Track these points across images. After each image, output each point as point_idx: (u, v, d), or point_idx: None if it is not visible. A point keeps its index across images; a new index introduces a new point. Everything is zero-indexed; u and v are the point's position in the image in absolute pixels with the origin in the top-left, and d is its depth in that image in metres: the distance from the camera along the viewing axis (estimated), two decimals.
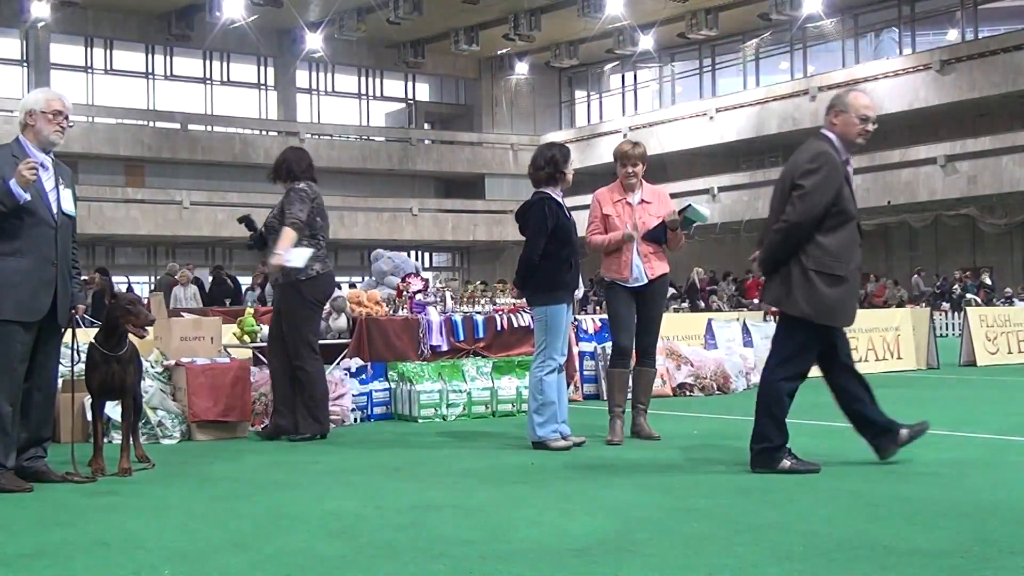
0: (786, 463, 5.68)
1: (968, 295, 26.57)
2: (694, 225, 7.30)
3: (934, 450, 6.58)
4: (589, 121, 43.27)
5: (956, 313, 25.02)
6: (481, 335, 9.62)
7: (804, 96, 35.78)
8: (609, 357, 7.59)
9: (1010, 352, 14.57)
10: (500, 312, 9.86)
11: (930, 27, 36.17)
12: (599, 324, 10.53)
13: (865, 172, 34.21)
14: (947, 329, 20.30)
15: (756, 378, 11.29)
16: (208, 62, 37.72)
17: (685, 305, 26.58)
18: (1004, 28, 33.75)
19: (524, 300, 8.26)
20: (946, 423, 7.85)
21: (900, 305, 25.84)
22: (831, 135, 5.71)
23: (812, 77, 36.55)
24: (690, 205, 7.42)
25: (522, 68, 41.60)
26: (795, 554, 3.94)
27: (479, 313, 9.77)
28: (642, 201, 7.32)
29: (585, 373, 10.21)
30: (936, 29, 36.33)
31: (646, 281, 7.23)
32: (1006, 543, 4.04)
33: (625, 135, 38.13)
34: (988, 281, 29.20)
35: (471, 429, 8.10)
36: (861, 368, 12.98)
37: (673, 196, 7.57)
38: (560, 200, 6.99)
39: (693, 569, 3.76)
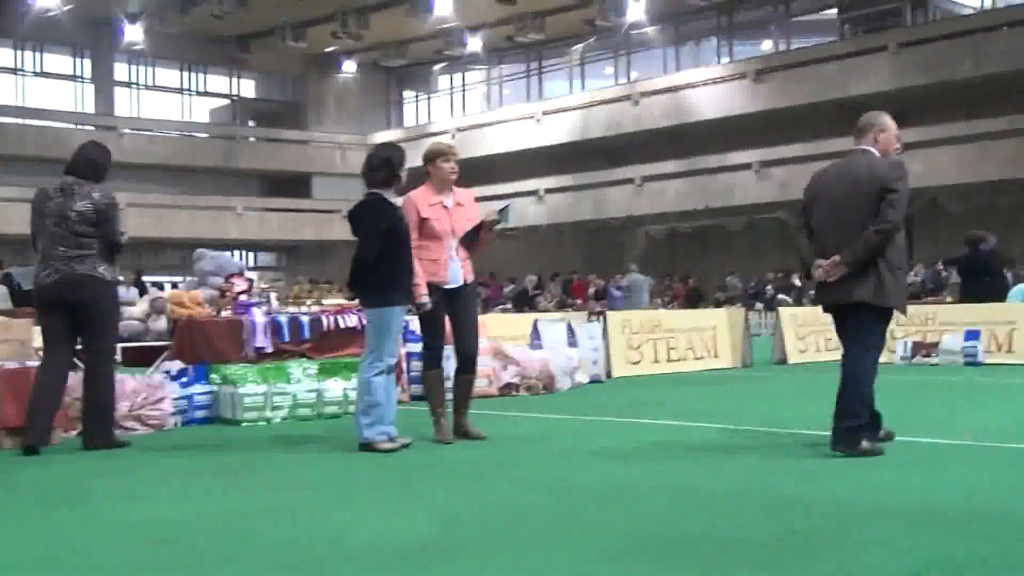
0: (865, 444, 6.15)
1: (780, 296, 27.68)
2: (499, 226, 7.48)
3: (746, 447, 6.83)
4: (417, 121, 43.22)
5: (769, 313, 26.03)
6: (307, 336, 9.48)
7: (627, 101, 36.62)
8: (423, 359, 7.55)
9: (818, 350, 15.24)
10: (327, 313, 9.75)
11: (746, 38, 37.54)
12: None
13: (684, 176, 35.30)
14: (761, 328, 21.09)
15: (581, 377, 11.59)
16: (20, 52, 36.06)
17: (509, 306, 26.83)
18: (814, 40, 35.33)
19: (355, 301, 8.20)
20: (756, 419, 8.17)
21: (718, 305, 26.74)
22: (874, 150, 6.46)
23: (635, 82, 37.46)
24: (509, 205, 7.59)
25: (350, 66, 41.24)
26: (620, 552, 4.02)
27: (305, 314, 9.64)
28: (457, 204, 7.35)
29: (412, 374, 10.17)
30: (752, 40, 37.74)
31: (461, 284, 7.30)
32: (815, 535, 4.22)
33: (453, 136, 38.25)
34: (797, 283, 30.47)
35: (296, 432, 7.98)
36: (681, 366, 13.48)
37: (499, 197, 7.65)
38: (394, 202, 6.95)
39: (520, 569, 3.80)
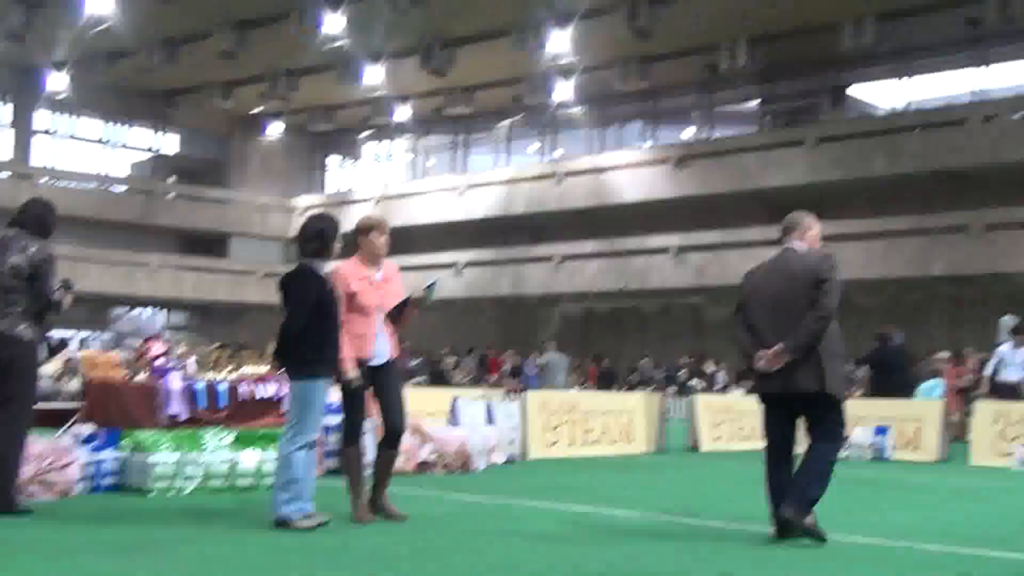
0: (810, 519, 6.54)
1: (692, 381, 27.97)
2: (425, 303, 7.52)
3: (666, 538, 6.83)
4: (340, 187, 43.20)
5: (681, 397, 26.27)
6: (223, 405, 9.31)
7: (551, 179, 37.03)
8: (342, 435, 7.46)
9: (732, 439, 15.41)
10: (244, 381, 9.59)
11: (670, 124, 38.35)
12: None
13: (603, 257, 35.69)
14: (672, 412, 21.23)
15: (497, 457, 11.53)
16: None
17: (424, 379, 26.66)
18: (734, 131, 36.23)
19: (277, 369, 8.10)
20: (673, 507, 8.20)
21: (630, 388, 26.92)
22: (801, 247, 6.93)
23: (559, 161, 37.94)
24: (436, 281, 7.61)
25: (276, 128, 41.18)
26: None
27: (223, 381, 9.47)
28: (384, 278, 7.34)
29: (328, 447, 10.01)
30: (675, 126, 38.56)
31: (387, 359, 7.27)
32: None
33: (377, 203, 38.28)
34: (711, 368, 30.83)
35: (208, 504, 7.79)
36: (596, 449, 13.50)
37: (419, 268, 7.65)
38: (324, 273, 6.91)
39: None
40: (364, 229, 7.33)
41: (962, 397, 18.51)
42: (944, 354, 20.10)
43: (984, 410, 13.99)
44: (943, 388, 17.82)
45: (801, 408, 6.84)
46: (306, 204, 42.73)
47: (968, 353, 20.35)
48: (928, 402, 15.32)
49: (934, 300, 29.76)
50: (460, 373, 26.62)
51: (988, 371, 16.37)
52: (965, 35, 30.02)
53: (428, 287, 7.48)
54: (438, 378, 24.93)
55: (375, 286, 7.26)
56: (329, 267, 7.02)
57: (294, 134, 41.73)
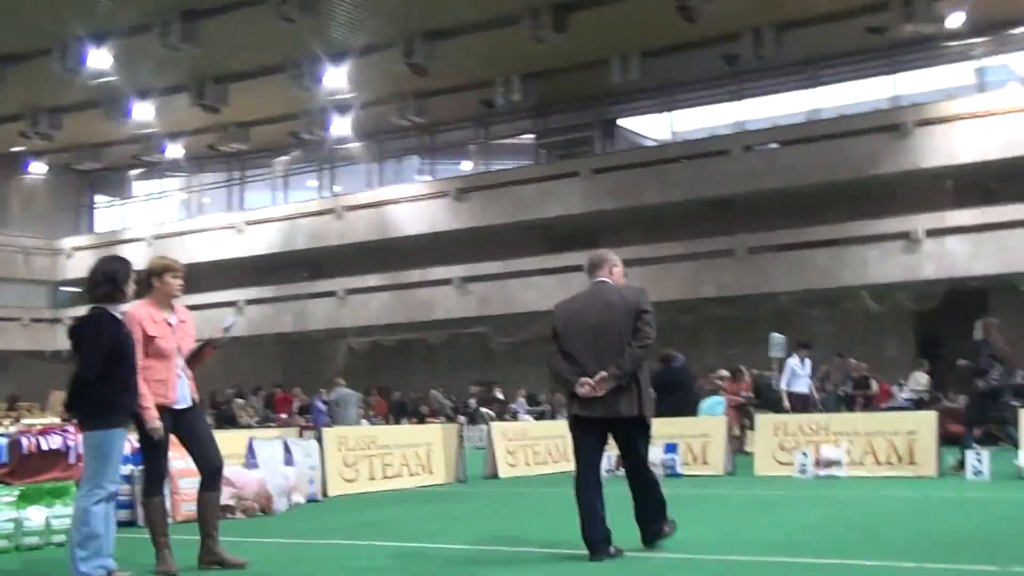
0: (667, 528, 7.33)
1: (483, 409, 28.20)
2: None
3: (489, 571, 6.85)
4: (111, 227, 41.50)
5: (471, 425, 26.44)
6: (4, 460, 8.75)
7: (331, 214, 36.74)
8: (143, 485, 7.15)
9: (528, 464, 15.60)
10: (27, 434, 9.03)
11: (447, 157, 38.76)
12: (136, 445, 9.93)
13: (387, 290, 35.63)
14: (469, 441, 21.36)
15: (298, 497, 11.28)
16: None
17: (211, 421, 25.87)
18: (511, 163, 36.94)
19: (69, 420, 7.68)
20: (480, 537, 8.22)
21: (421, 420, 26.90)
22: (611, 281, 7.33)
23: (339, 196, 37.71)
24: (234, 322, 7.55)
25: (39, 167, 39.16)
26: None
27: (2, 435, 8.90)
28: (180, 320, 7.12)
29: (120, 498, 9.53)
30: (453, 160, 39.00)
31: (190, 404, 7.06)
32: None
33: (150, 243, 36.95)
34: (500, 396, 31.18)
35: None
36: (397, 483, 13.41)
37: (200, 307, 7.45)
38: (119, 317, 6.60)
39: None
40: (157, 271, 7.08)
41: (739, 412, 19.38)
42: (723, 372, 21.03)
43: (764, 422, 14.70)
44: (724, 405, 18.66)
45: (617, 431, 7.17)
46: (74, 244, 40.81)
47: (743, 370, 21.35)
48: (713, 419, 15.95)
49: (705, 321, 31.12)
50: (247, 413, 25.93)
51: (783, 384, 17.33)
52: (723, 71, 31.65)
53: (226, 328, 7.35)
54: (225, 420, 24.20)
55: (172, 328, 7.02)
56: (119, 311, 6.72)
57: (59, 172, 39.81)
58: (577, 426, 7.24)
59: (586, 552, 7.03)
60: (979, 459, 12.63)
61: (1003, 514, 9.22)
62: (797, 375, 17.08)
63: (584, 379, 6.99)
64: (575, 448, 7.39)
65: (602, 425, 7.15)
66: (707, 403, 17.20)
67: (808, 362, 17.31)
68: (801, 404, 16.50)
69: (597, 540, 6.95)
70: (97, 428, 6.42)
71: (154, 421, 6.70)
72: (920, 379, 23.42)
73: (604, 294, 7.26)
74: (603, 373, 6.95)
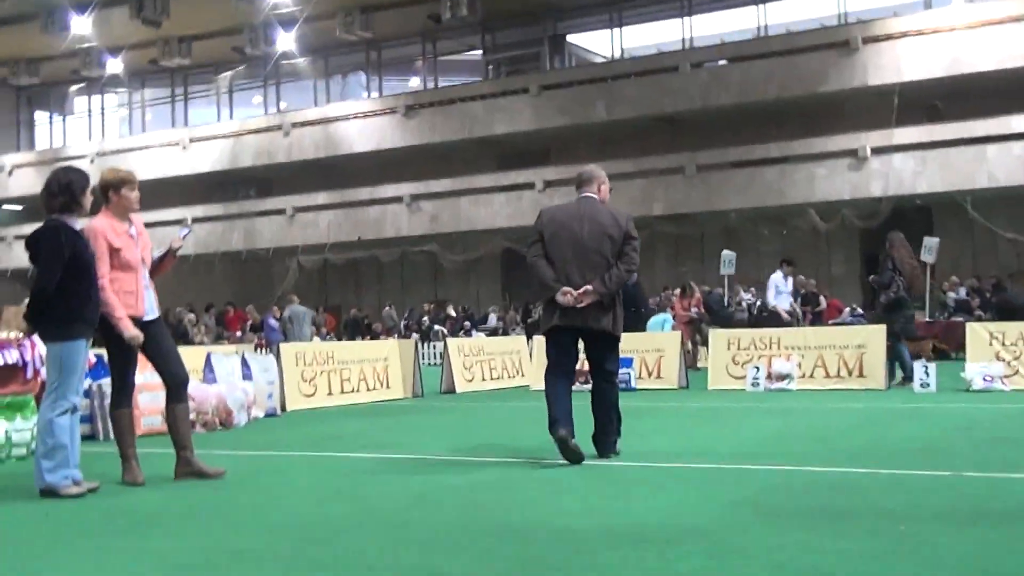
0: (618, 447, 7.47)
1: (436, 326, 28.28)
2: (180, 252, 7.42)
3: (453, 477, 6.93)
4: (52, 144, 40.66)
5: (425, 343, 26.56)
6: None
7: (278, 131, 36.28)
8: (112, 397, 7.13)
9: (484, 379, 15.72)
10: None
11: (395, 74, 38.31)
12: (94, 359, 9.86)
13: (336, 208, 35.41)
14: (424, 359, 21.47)
15: (257, 412, 11.30)
16: None
17: None
18: (460, 80, 36.59)
19: (30, 333, 7.60)
20: (445, 447, 8.32)
21: (374, 337, 26.94)
22: (597, 197, 7.42)
23: (286, 113, 37.20)
24: (190, 230, 7.54)
25: None
26: None
27: None
28: (139, 232, 7.06)
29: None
30: (400, 76, 38.55)
31: (157, 314, 7.04)
32: (551, 560, 4.34)
33: (92, 160, 36.30)
34: (452, 313, 31.27)
35: None
36: (355, 398, 13.47)
37: (147, 225, 7.37)
38: (76, 228, 6.50)
39: None
40: (115, 184, 6.97)
41: (691, 328, 19.63)
42: (677, 291, 21.27)
43: (717, 337, 14.89)
44: (670, 322, 18.87)
45: (590, 344, 7.37)
46: (14, 162, 40.01)
47: (693, 286, 21.57)
48: (668, 334, 16.12)
49: (656, 239, 31.29)
50: (200, 331, 25.79)
51: (770, 299, 17.44)
52: None
53: (183, 236, 7.35)
54: (178, 337, 24.05)
55: (134, 240, 6.95)
56: (79, 224, 6.62)
57: None
58: (552, 334, 7.38)
59: (544, 458, 7.24)
60: (926, 371, 12.91)
61: (951, 424, 9.47)
62: (780, 291, 17.12)
63: (567, 288, 7.13)
64: (548, 354, 7.51)
65: (575, 336, 7.34)
66: (655, 320, 17.37)
67: (791, 279, 17.38)
68: (776, 320, 16.65)
69: (562, 419, 7.08)
70: (59, 340, 6.36)
71: (131, 329, 6.66)
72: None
73: (594, 211, 7.35)
74: (588, 287, 7.10)
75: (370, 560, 4.43)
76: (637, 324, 16.50)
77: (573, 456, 7.00)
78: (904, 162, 28.18)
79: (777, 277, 17.33)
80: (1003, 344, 13.19)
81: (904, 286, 13.90)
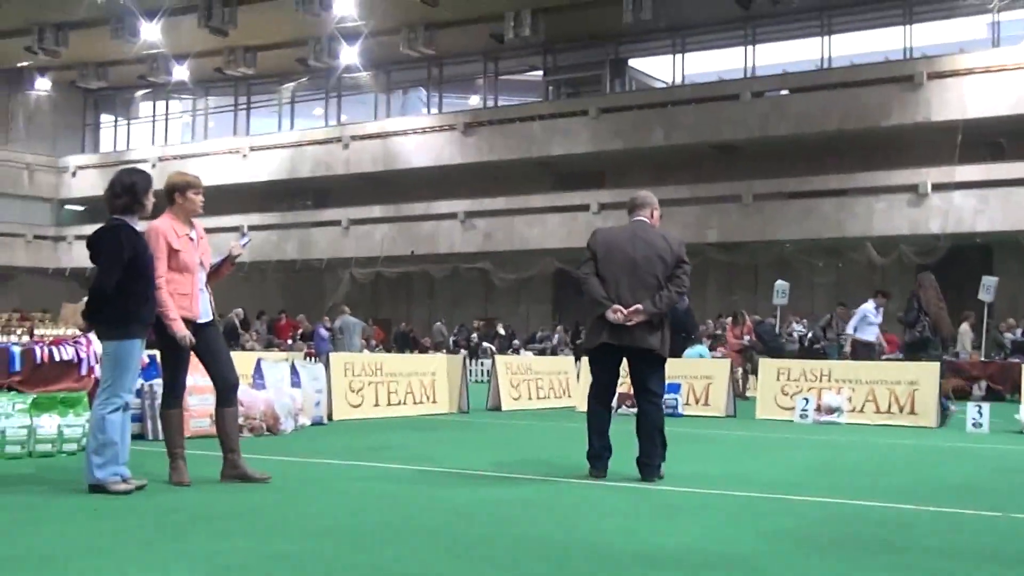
0: (662, 471, 7.48)
1: (484, 344, 28.33)
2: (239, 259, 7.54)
3: (494, 492, 6.95)
4: (116, 147, 41.34)
5: (473, 360, 26.62)
6: (17, 368, 8.82)
7: (337, 143, 36.64)
8: (162, 397, 7.23)
9: (530, 398, 15.74)
10: (40, 343, 9.10)
11: (455, 91, 38.56)
12: (147, 360, 10.01)
13: (391, 222, 35.65)
14: (471, 375, 21.52)
15: (304, 419, 11.39)
16: None
17: None
18: (518, 100, 36.75)
19: (88, 330, 7.76)
20: (488, 464, 8.34)
21: (423, 351, 27.03)
22: (650, 222, 7.62)
23: (345, 126, 37.56)
24: (249, 239, 7.68)
25: (44, 84, 38.95)
26: None
27: (16, 344, 8.96)
28: (199, 236, 7.18)
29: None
30: (460, 93, 38.79)
31: (211, 318, 7.14)
32: None
33: (154, 165, 36.87)
34: (501, 331, 31.32)
35: (7, 471, 7.37)
36: (401, 410, 13.55)
37: (205, 232, 7.46)
38: (137, 229, 6.63)
39: None
40: (181, 187, 7.09)
41: (741, 356, 19.50)
42: (729, 319, 21.13)
43: (767, 367, 14.79)
44: (708, 354, 18.67)
45: (636, 364, 7.46)
46: (78, 163, 40.73)
47: (744, 315, 21.44)
48: (717, 361, 16.02)
49: (709, 266, 31.16)
50: (251, 337, 26.06)
51: (849, 329, 17.10)
52: (736, 14, 31.39)
53: (243, 244, 7.45)
54: (227, 336, 24.33)
55: (194, 244, 7.07)
56: (141, 225, 6.76)
57: (64, 90, 39.64)
58: (598, 352, 7.50)
59: (585, 478, 7.35)
60: (979, 411, 12.73)
61: (1002, 465, 9.32)
62: (870, 322, 16.61)
63: (617, 306, 7.28)
64: (592, 372, 7.66)
65: (621, 355, 7.47)
66: (690, 352, 17.03)
67: (881, 311, 16.87)
68: (866, 352, 16.18)
69: (599, 455, 7.46)
70: (115, 338, 6.48)
71: (183, 330, 6.76)
72: (965, 333, 23.09)
73: (647, 234, 7.54)
74: (639, 306, 7.27)
75: (406, 568, 4.46)
76: (684, 350, 16.44)
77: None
78: (965, 199, 27.85)
79: (868, 307, 16.80)
80: None
81: (929, 326, 13.98)
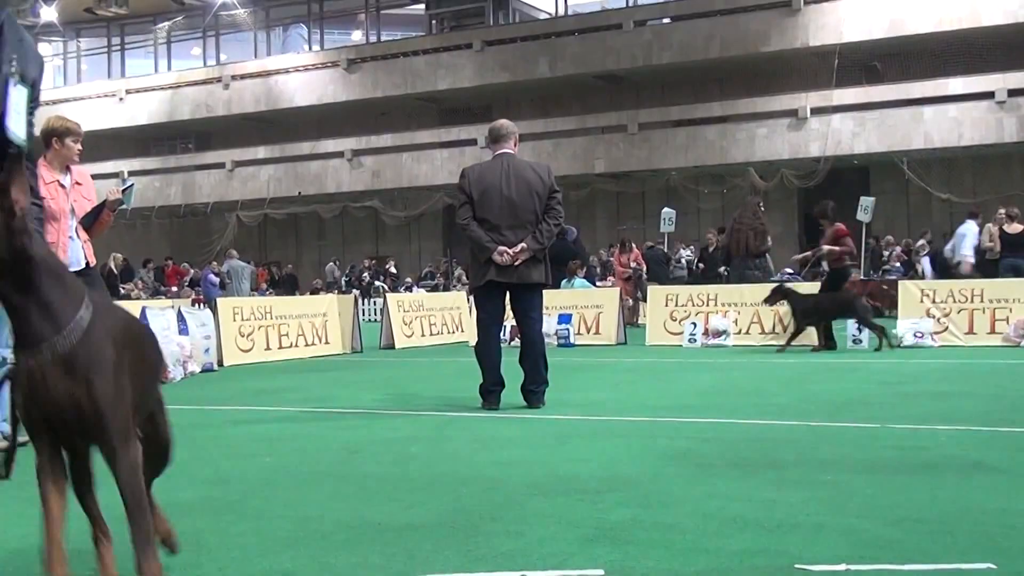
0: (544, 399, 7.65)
1: (376, 282, 28.19)
2: (121, 206, 7.27)
3: (389, 429, 6.95)
4: None
5: (365, 299, 26.46)
6: None
7: (217, 83, 35.75)
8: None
9: (423, 335, 15.73)
10: None
11: (337, 27, 37.87)
12: None
13: (276, 163, 35.05)
14: (364, 315, 21.41)
15: (193, 366, 11.22)
16: None
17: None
18: (402, 34, 36.27)
19: None
20: (380, 401, 8.33)
21: (314, 292, 26.78)
22: (514, 152, 7.72)
23: (225, 65, 36.65)
24: (132, 185, 7.44)
25: None
26: (297, 539, 3.95)
27: None
28: (75, 183, 6.95)
29: None
30: (342, 29, 38.11)
31: (84, 265, 6.93)
32: (483, 511, 4.37)
33: None
34: (393, 270, 31.17)
35: None
36: (293, 353, 13.43)
37: None
38: None
39: (190, 567, 3.65)
40: (60, 133, 6.84)
41: (629, 284, 19.74)
42: (615, 248, 21.31)
43: (655, 293, 15.01)
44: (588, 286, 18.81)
45: (519, 296, 7.62)
46: None
47: (630, 243, 21.67)
48: (606, 290, 16.20)
49: (597, 196, 31.38)
50: (137, 286, 25.47)
51: (963, 250, 16.94)
52: None
53: (125, 190, 7.22)
54: (113, 292, 23.73)
55: (65, 191, 6.83)
56: None
57: None
58: (485, 290, 7.62)
59: (479, 412, 7.48)
60: (858, 328, 13.12)
61: (881, 379, 9.65)
62: (971, 243, 16.50)
63: (503, 248, 7.42)
64: (479, 310, 7.80)
65: (505, 291, 7.63)
66: (578, 282, 17.15)
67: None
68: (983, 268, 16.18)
69: (493, 389, 7.60)
70: None
71: None
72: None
73: (517, 167, 7.61)
74: (522, 244, 7.44)
75: (305, 511, 4.43)
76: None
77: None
78: (843, 123, 28.47)
79: (971, 228, 16.64)
80: (933, 301, 13.44)
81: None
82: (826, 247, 13.08)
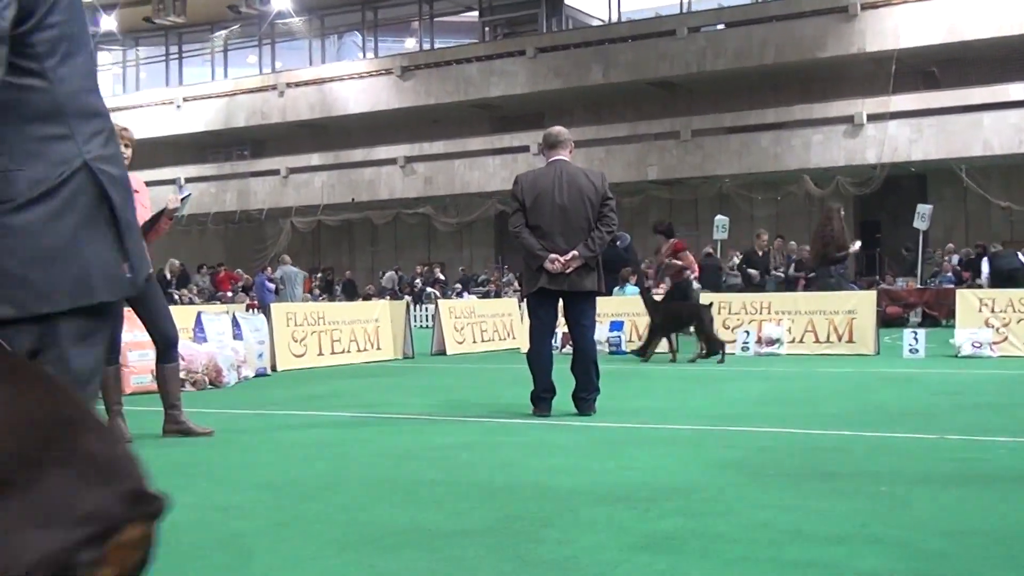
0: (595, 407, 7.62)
1: (428, 289, 28.29)
2: (177, 214, 7.34)
3: (439, 435, 6.96)
4: None
5: (417, 305, 26.58)
6: None
7: (273, 91, 36.11)
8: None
9: (475, 342, 15.75)
10: None
11: (390, 34, 38.11)
12: None
13: (330, 170, 35.33)
14: (415, 321, 21.50)
15: (247, 371, 11.32)
16: None
17: None
18: (455, 41, 36.41)
19: None
20: (432, 407, 8.35)
21: (367, 298, 26.92)
22: (570, 159, 7.71)
23: (280, 73, 37.01)
24: (189, 194, 7.52)
25: None
26: (346, 544, 3.97)
27: None
28: (132, 191, 7.02)
29: None
30: (396, 37, 38.35)
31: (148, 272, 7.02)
32: (532, 518, 4.36)
33: None
34: (441, 276, 31.27)
35: None
36: (345, 358, 13.50)
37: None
38: None
39: (241, 570, 3.67)
40: None
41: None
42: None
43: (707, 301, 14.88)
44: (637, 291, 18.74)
45: (571, 304, 7.62)
46: None
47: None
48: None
49: (650, 203, 31.27)
50: (190, 291, 25.78)
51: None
52: None
53: (183, 198, 7.29)
54: (168, 297, 24.05)
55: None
56: None
57: None
58: (537, 298, 7.60)
59: (530, 418, 7.44)
60: (915, 337, 12.95)
61: (938, 389, 9.51)
62: None
63: (554, 255, 7.38)
64: (532, 317, 7.80)
65: (557, 298, 7.62)
66: (630, 288, 17.13)
67: None
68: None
69: (544, 396, 7.58)
70: None
71: None
72: None
73: (570, 174, 7.56)
74: (574, 252, 7.39)
75: (355, 515, 4.45)
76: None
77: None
78: (900, 129, 28.13)
79: None
80: (992, 311, 13.22)
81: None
82: (667, 260, 13.64)
